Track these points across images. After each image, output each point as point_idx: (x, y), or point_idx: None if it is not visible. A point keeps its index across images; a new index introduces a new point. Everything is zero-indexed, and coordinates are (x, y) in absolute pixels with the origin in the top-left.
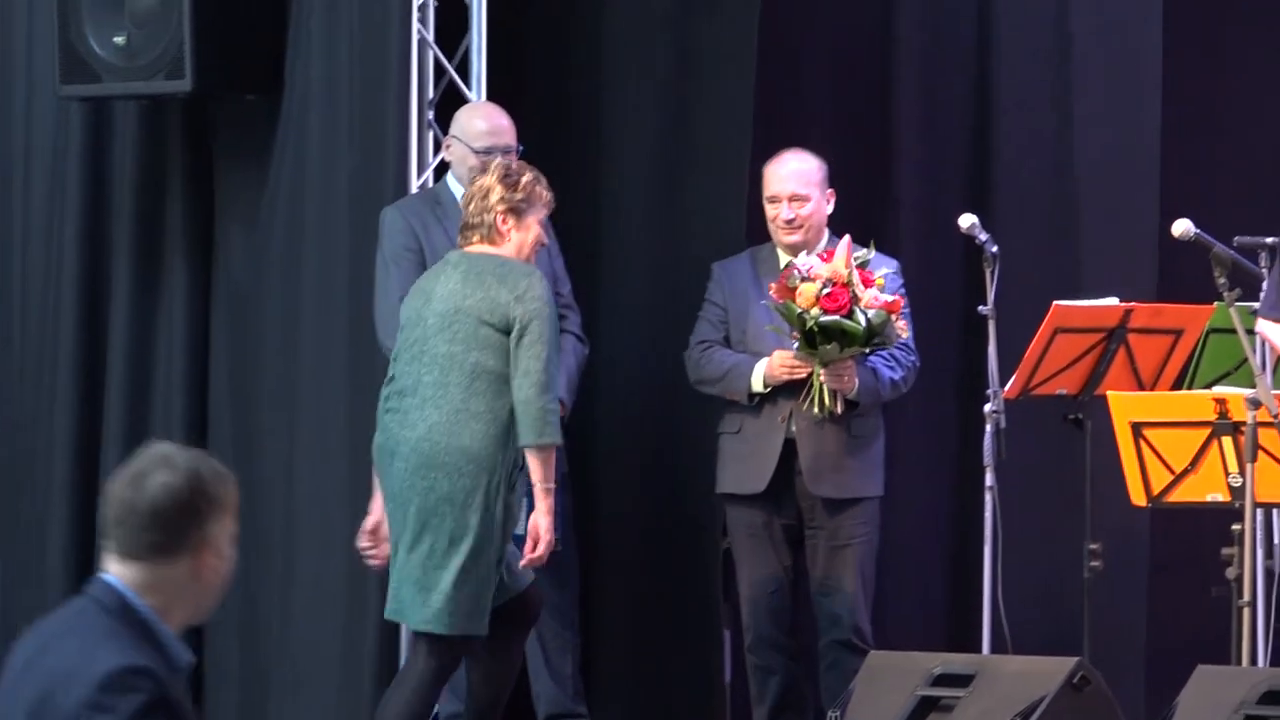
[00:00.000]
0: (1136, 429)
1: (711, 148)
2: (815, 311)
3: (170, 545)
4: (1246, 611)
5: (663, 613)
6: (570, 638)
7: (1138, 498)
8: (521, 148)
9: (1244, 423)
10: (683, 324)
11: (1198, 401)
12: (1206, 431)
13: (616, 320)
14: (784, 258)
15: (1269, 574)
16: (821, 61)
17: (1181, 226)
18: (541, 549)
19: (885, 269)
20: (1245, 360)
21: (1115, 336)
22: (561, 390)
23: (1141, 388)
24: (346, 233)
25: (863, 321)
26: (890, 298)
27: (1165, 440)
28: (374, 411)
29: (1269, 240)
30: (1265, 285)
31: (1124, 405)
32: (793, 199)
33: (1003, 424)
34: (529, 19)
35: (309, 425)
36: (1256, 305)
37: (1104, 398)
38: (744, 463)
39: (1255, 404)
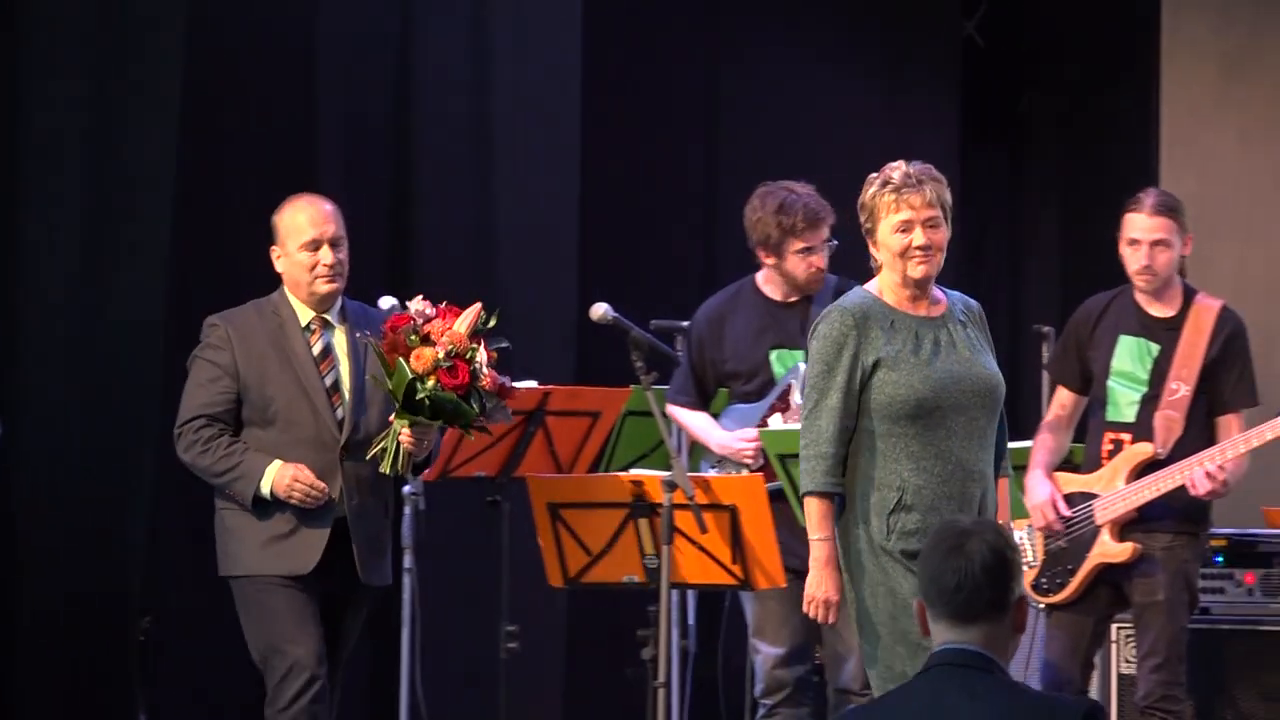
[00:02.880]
0: (554, 510)
1: (134, 220)
2: (432, 384)
3: (1004, 601)
4: (661, 692)
5: (81, 701)
6: None
7: (555, 579)
8: None
9: (660, 505)
10: (103, 403)
11: (614, 483)
12: (623, 513)
13: (35, 399)
14: (306, 313)
15: (684, 654)
16: (247, 142)
17: (599, 310)
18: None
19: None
20: (662, 442)
21: (534, 419)
22: None
23: (560, 469)
24: None
25: (476, 406)
26: (503, 380)
27: (582, 522)
28: None
29: (684, 324)
30: (677, 370)
31: (542, 487)
32: (334, 241)
33: (422, 505)
34: None
35: None
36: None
37: (523, 479)
38: (283, 541)
39: (671, 486)
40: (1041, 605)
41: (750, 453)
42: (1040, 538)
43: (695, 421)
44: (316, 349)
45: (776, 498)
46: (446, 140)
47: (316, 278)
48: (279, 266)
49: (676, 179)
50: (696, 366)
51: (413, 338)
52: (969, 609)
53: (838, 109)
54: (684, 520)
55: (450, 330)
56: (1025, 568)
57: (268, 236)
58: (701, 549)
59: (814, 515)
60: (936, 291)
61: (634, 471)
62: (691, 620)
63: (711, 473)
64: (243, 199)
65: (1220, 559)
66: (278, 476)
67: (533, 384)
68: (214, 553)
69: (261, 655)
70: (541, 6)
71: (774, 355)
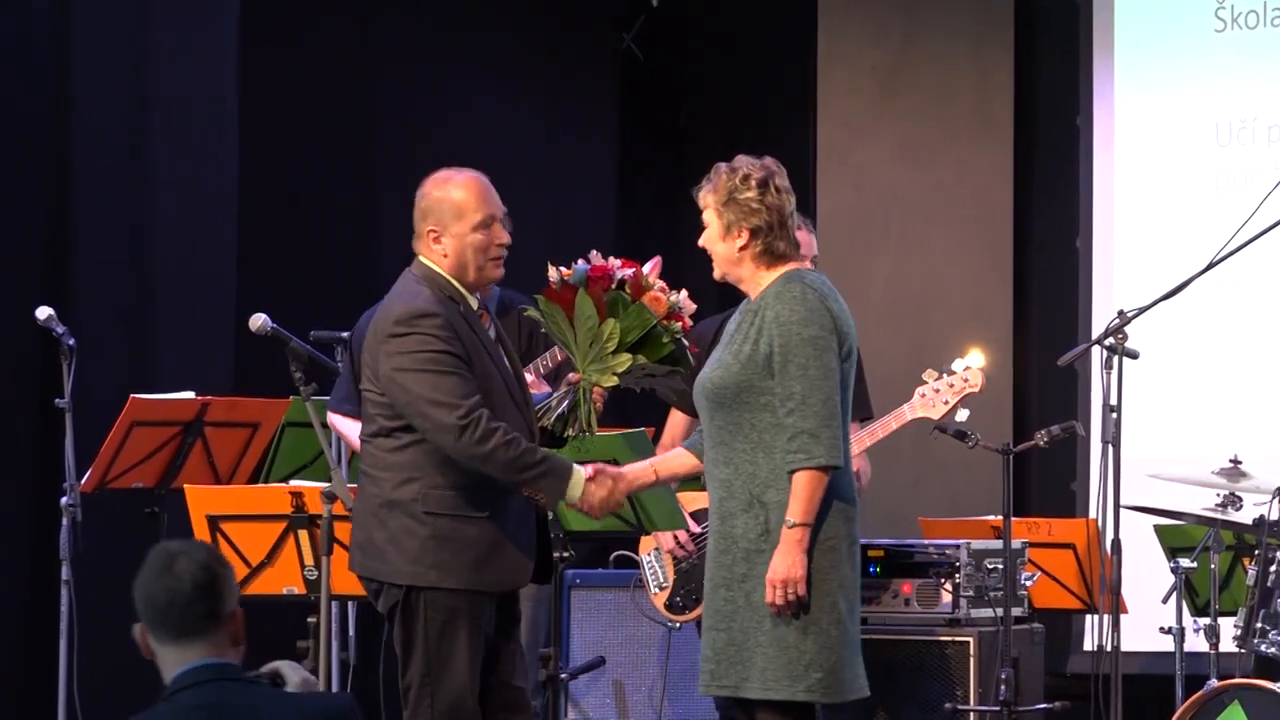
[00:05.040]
0: (214, 522)
1: None
2: (677, 326)
3: (219, 614)
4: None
5: None
6: None
7: None
8: None
9: (320, 516)
10: None
11: (274, 495)
12: (283, 525)
13: None
14: (470, 298)
15: (344, 666)
16: None
17: (258, 321)
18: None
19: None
20: (321, 453)
21: (192, 430)
22: None
23: (219, 481)
24: None
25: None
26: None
27: (243, 533)
28: None
29: (344, 334)
30: (338, 380)
31: (201, 498)
32: (503, 219)
33: (79, 517)
34: None
35: None
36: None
37: (181, 491)
38: (499, 551)
39: (331, 497)
40: (677, 624)
41: None
42: (670, 559)
43: (357, 431)
44: (490, 334)
45: None
46: (104, 150)
47: (491, 259)
48: (441, 248)
49: (335, 189)
50: (358, 375)
51: (649, 279)
52: (184, 624)
53: (498, 120)
54: (344, 531)
55: (649, 278)
56: (657, 589)
57: None
58: None
59: None
60: (769, 283)
61: (294, 483)
62: (352, 632)
63: None
64: None
65: (876, 569)
66: (588, 489)
67: (191, 395)
68: None
69: (428, 682)
70: (198, 18)
71: None
